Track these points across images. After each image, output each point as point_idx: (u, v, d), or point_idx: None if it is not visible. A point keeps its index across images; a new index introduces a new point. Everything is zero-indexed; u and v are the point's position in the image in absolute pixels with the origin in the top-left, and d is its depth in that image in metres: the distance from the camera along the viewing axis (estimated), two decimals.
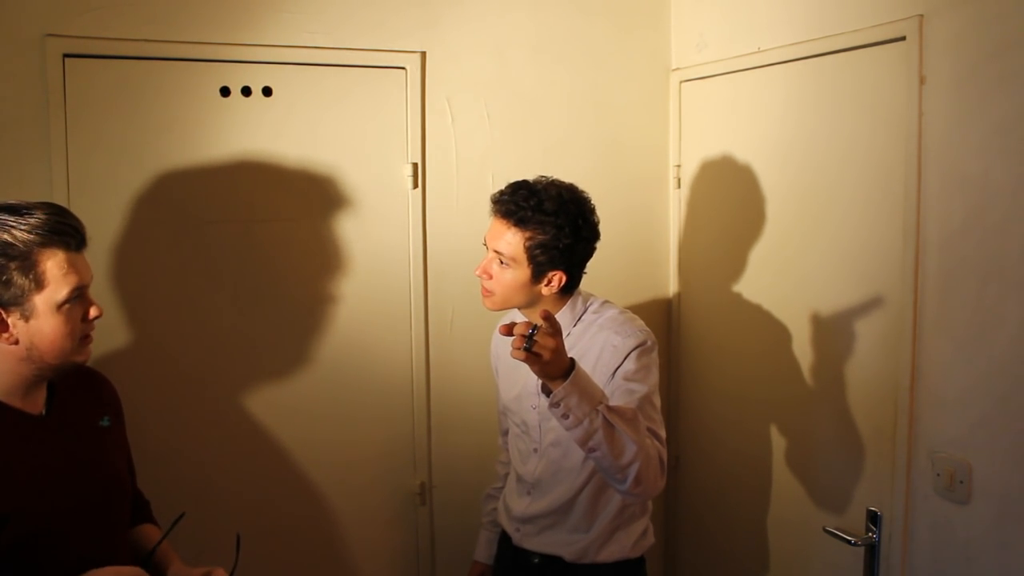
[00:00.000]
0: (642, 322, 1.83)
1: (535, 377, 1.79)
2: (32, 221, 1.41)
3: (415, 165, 2.25)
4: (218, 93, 2.07)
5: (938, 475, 1.76)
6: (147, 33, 2.00)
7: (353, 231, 2.22)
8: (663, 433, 1.70)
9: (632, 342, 1.75)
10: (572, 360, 1.53)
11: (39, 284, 1.41)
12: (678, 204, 2.52)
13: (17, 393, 1.47)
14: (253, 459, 2.17)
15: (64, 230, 1.43)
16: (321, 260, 2.21)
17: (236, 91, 2.09)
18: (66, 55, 1.93)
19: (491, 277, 1.79)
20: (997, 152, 1.63)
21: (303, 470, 2.22)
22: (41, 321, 1.43)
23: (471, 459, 2.34)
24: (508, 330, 1.48)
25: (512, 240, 1.74)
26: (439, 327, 2.32)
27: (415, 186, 2.26)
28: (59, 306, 1.42)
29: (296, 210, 2.16)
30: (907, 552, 1.84)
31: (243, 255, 2.13)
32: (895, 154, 1.82)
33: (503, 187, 1.80)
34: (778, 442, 2.21)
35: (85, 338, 1.49)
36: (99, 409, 1.64)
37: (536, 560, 1.91)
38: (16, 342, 1.43)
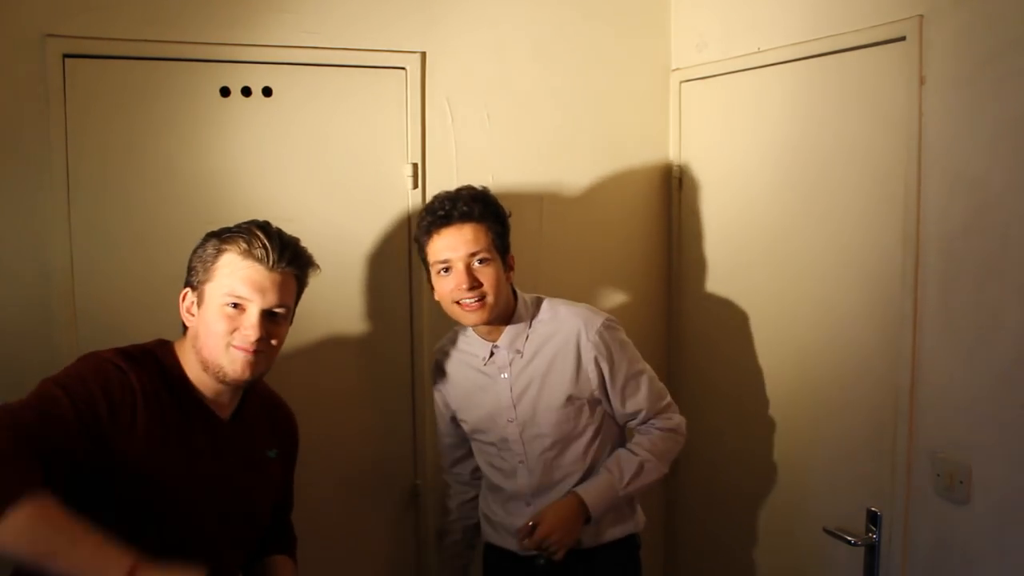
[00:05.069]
0: (597, 310, 1.93)
1: (504, 391, 1.88)
2: (236, 227, 1.54)
3: (415, 165, 2.25)
4: (218, 93, 2.07)
5: (938, 475, 1.76)
6: (147, 33, 2.00)
7: (353, 231, 2.22)
8: (668, 397, 1.95)
9: (602, 335, 1.84)
10: (578, 500, 1.79)
11: (209, 276, 1.51)
12: (678, 204, 2.52)
13: (209, 388, 1.54)
14: None
15: (248, 241, 1.50)
16: (320, 260, 2.19)
17: (236, 91, 2.09)
18: (66, 55, 1.93)
19: (480, 284, 1.77)
20: (997, 152, 1.63)
21: (300, 470, 2.21)
22: (204, 309, 1.51)
23: None
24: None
25: (480, 236, 1.79)
26: (438, 327, 2.31)
27: (415, 186, 2.26)
28: (218, 301, 1.49)
29: (296, 210, 2.16)
30: (907, 552, 1.84)
31: None
32: (895, 154, 1.82)
33: (430, 205, 1.84)
34: (778, 442, 2.21)
35: (237, 349, 1.49)
36: (271, 439, 1.69)
37: (542, 561, 1.89)
38: (192, 322, 1.54)
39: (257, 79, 2.10)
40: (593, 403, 1.88)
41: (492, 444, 1.92)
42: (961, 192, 1.70)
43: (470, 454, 2.04)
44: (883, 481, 1.89)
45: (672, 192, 2.52)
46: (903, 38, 1.78)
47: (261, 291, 1.50)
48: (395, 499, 2.33)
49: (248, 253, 1.50)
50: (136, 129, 2.01)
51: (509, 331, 1.86)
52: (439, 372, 2.02)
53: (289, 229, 2.14)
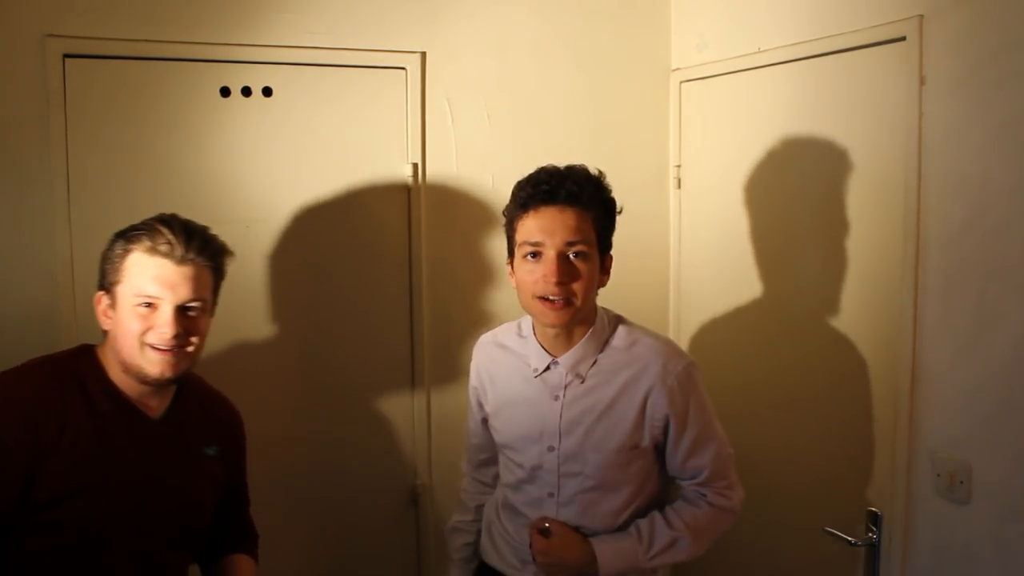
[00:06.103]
0: (680, 348, 1.72)
1: (552, 416, 1.62)
2: (140, 224, 1.50)
3: (415, 165, 2.25)
4: (218, 93, 2.07)
5: (938, 475, 1.76)
6: (147, 33, 2.00)
7: (353, 231, 2.22)
8: (733, 472, 1.71)
9: (682, 382, 1.60)
10: (591, 556, 1.58)
11: (118, 277, 1.48)
12: (678, 204, 2.51)
13: (133, 389, 1.52)
14: (249, 458, 2.16)
15: (151, 238, 1.47)
16: (320, 260, 2.21)
17: (236, 91, 2.09)
18: (66, 55, 1.93)
19: (571, 279, 1.52)
20: (997, 153, 1.63)
21: (300, 470, 2.22)
22: (119, 311, 1.48)
23: None
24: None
25: (584, 224, 1.53)
26: (438, 327, 2.32)
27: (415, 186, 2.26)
28: (130, 302, 1.47)
29: (296, 210, 2.16)
30: (907, 552, 1.84)
31: (242, 255, 2.11)
32: (895, 154, 1.82)
33: (533, 176, 1.57)
34: (778, 442, 2.21)
35: (154, 348, 1.47)
36: (209, 436, 1.66)
37: None
38: (109, 325, 1.51)
39: (257, 79, 2.10)
40: (648, 453, 1.64)
41: (520, 466, 1.67)
42: (961, 192, 1.70)
43: (497, 459, 1.82)
44: (883, 481, 1.89)
45: (672, 192, 2.52)
46: (903, 38, 1.79)
47: (171, 287, 1.46)
48: (395, 499, 2.33)
49: (153, 250, 1.46)
50: (136, 129, 2.01)
51: (576, 350, 1.61)
52: (479, 369, 1.78)
53: (289, 229, 2.16)
